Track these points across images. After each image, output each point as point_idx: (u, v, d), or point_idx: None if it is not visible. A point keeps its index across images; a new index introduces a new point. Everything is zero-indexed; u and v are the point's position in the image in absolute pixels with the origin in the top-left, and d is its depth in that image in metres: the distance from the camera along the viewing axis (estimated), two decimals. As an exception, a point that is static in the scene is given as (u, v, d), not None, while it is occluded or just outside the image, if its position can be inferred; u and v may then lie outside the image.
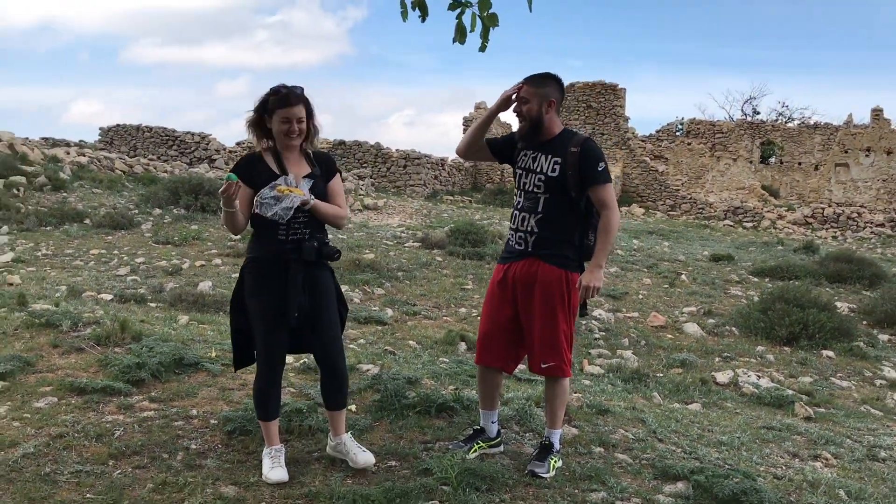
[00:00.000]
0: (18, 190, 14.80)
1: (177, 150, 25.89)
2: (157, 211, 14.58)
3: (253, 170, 3.61)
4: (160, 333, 5.73)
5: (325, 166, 3.77)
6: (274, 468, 3.64)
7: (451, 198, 26.54)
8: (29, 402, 4.41)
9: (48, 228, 12.86)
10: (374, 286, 10.34)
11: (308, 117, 3.65)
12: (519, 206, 3.97)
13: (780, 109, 44.55)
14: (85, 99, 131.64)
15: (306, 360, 5.28)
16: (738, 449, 4.62)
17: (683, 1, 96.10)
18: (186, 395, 4.63)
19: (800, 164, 34.31)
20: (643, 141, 33.22)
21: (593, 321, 9.46)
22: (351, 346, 6.85)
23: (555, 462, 3.86)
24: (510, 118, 27.88)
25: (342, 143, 27.24)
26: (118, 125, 27.70)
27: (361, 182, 23.77)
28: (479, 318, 4.78)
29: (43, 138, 27.18)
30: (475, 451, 3.95)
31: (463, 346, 7.75)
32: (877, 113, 32.72)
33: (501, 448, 4.10)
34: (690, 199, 29.41)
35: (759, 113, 44.40)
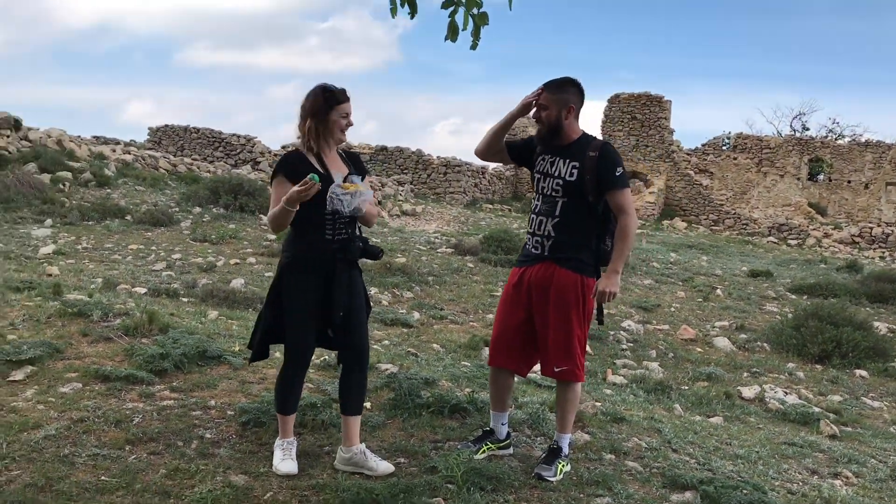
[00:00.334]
0: (64, 185, 15.17)
1: (222, 151, 26.29)
2: (197, 209, 14.84)
3: (298, 168, 3.61)
4: (187, 326, 5.85)
5: (357, 165, 3.82)
6: (284, 460, 3.69)
7: (490, 206, 26.55)
8: (55, 387, 4.55)
9: (90, 223, 13.16)
10: (404, 289, 10.40)
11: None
12: (536, 210, 3.98)
13: (830, 126, 43.59)
14: (139, 99, 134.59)
15: (327, 356, 5.35)
16: (754, 463, 4.55)
17: (734, 14, 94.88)
18: (207, 387, 4.72)
19: (849, 182, 33.54)
20: (688, 154, 32.83)
21: (622, 332, 9.38)
22: (375, 346, 6.90)
23: (563, 466, 3.86)
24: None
25: (384, 148, 27.43)
26: (166, 125, 28.20)
27: (401, 188, 23.86)
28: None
29: (94, 137, 27.91)
30: (484, 451, 3.97)
31: (486, 351, 7.72)
32: (930, 131, 31.95)
33: (511, 450, 4.11)
34: (734, 214, 28.95)
35: (808, 129, 43.56)
